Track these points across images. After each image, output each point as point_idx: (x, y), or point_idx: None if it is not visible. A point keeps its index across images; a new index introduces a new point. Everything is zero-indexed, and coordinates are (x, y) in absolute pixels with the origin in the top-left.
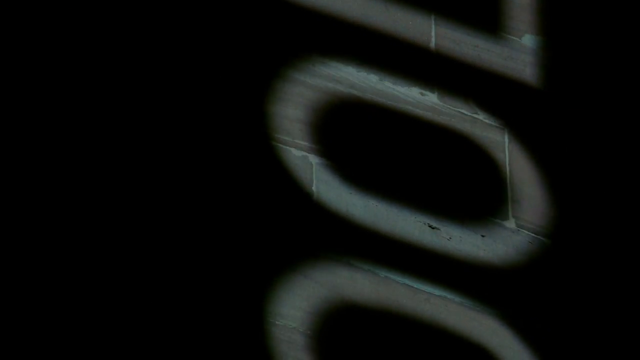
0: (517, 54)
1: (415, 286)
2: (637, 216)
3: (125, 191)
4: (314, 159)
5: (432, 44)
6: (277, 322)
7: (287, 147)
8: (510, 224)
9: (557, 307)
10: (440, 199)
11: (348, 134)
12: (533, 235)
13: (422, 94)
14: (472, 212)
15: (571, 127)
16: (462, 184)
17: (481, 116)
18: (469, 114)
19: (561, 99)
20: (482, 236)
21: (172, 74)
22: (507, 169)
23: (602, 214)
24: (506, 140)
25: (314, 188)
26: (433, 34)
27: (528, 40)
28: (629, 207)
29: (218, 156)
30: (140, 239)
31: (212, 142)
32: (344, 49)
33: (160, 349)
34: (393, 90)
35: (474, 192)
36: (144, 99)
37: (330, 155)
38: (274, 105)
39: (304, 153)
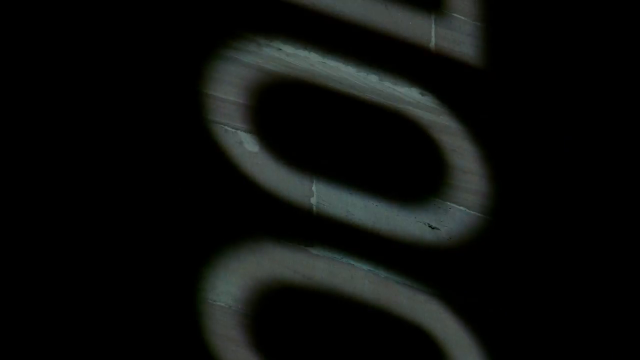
0: (457, 33)
1: (355, 265)
2: (576, 193)
3: (59, 174)
4: (249, 140)
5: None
6: (211, 301)
7: (224, 128)
8: (450, 203)
9: (498, 286)
10: (379, 178)
11: (287, 115)
12: (473, 213)
13: (358, 72)
14: (411, 192)
15: (512, 107)
16: (401, 164)
17: (421, 95)
18: (409, 93)
19: (503, 78)
20: (422, 215)
21: (105, 54)
22: (447, 148)
23: (543, 193)
24: (446, 119)
25: (250, 169)
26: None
27: (468, 19)
28: (569, 185)
29: (153, 137)
30: (77, 219)
31: (146, 123)
32: (283, 28)
33: (91, 326)
34: (335, 71)
35: (414, 171)
36: (75, 82)
37: (267, 137)
38: (210, 86)
39: (241, 134)
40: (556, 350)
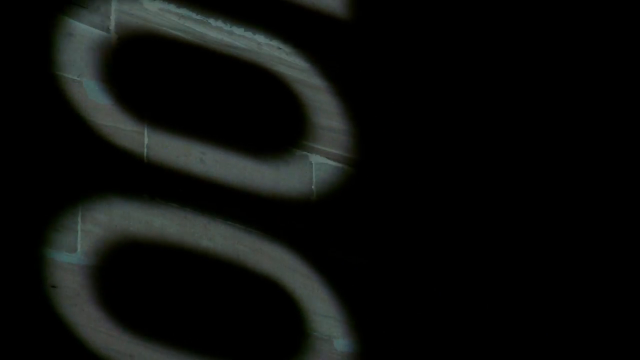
0: None
1: (208, 218)
2: (439, 148)
3: None
4: (101, 94)
5: None
6: (54, 258)
7: (73, 80)
8: (312, 155)
9: (359, 239)
10: (239, 131)
11: (142, 68)
12: (335, 165)
13: (221, 25)
14: (272, 145)
15: (377, 61)
16: (262, 118)
17: (283, 50)
18: (271, 46)
19: (369, 32)
20: (284, 168)
21: None
22: (310, 102)
23: (406, 146)
24: (309, 74)
25: (103, 124)
26: None
27: None
28: (433, 139)
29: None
30: None
31: None
32: None
33: None
34: (197, 24)
35: (275, 125)
36: None
37: (122, 91)
38: (60, 40)
39: (92, 87)
40: (416, 304)
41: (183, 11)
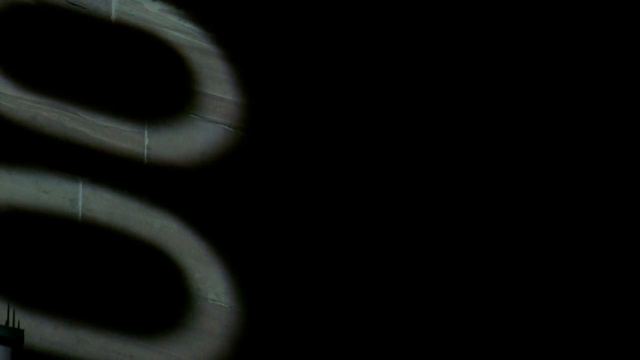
0: None
1: (90, 186)
2: (326, 115)
3: None
4: None
5: None
6: None
7: None
8: (202, 118)
9: (247, 202)
10: (126, 97)
11: (22, 36)
12: (225, 128)
13: None
14: (159, 109)
15: (266, 27)
16: (149, 83)
17: (175, 16)
18: (164, 14)
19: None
20: (172, 133)
21: None
22: (202, 68)
23: (295, 112)
24: (200, 39)
25: None
26: None
27: None
28: (326, 100)
29: None
30: None
31: None
32: None
33: None
34: None
35: (163, 90)
36: None
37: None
38: None
39: None
40: (298, 268)
41: None
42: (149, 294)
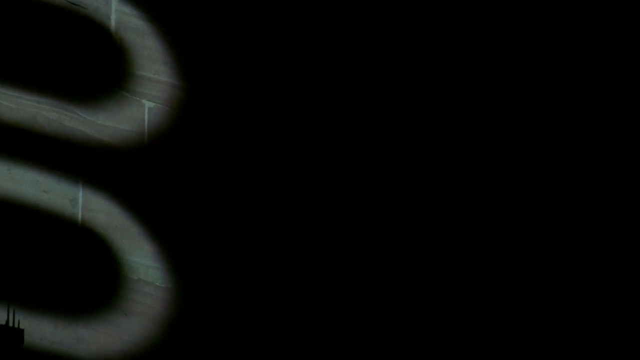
0: None
1: (22, 168)
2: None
3: None
4: None
5: None
6: None
7: None
8: (136, 97)
9: (183, 185)
10: (66, 76)
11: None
12: (161, 107)
13: None
14: (96, 89)
15: (201, 6)
16: (88, 63)
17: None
18: None
19: None
20: (107, 113)
21: None
22: (137, 47)
23: (233, 91)
24: (135, 19)
25: None
26: None
27: None
28: (263, 81)
29: None
30: None
31: None
32: None
33: None
34: None
35: (101, 70)
36: None
37: None
38: None
39: None
40: (236, 249)
41: None
42: (82, 275)
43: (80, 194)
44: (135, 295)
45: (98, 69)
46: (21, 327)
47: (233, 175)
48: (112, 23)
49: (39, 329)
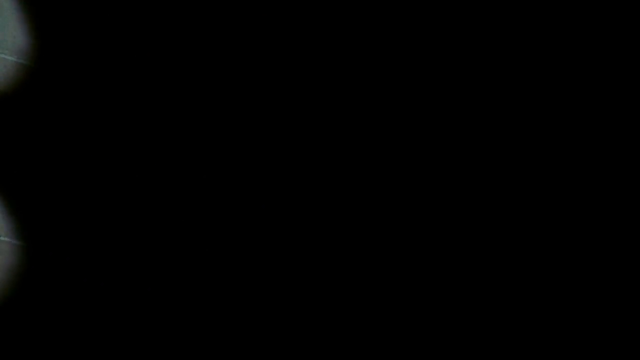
0: None
1: None
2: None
3: None
4: None
5: None
6: None
7: None
8: None
9: (35, 142)
10: None
11: None
12: (13, 60)
13: None
14: None
15: None
16: None
17: None
18: None
19: None
20: None
21: None
22: None
23: (89, 43)
24: None
25: None
26: None
27: None
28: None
29: None
30: None
31: None
32: None
33: None
34: None
35: None
36: None
37: None
38: None
39: None
40: (84, 202)
41: None
42: None
43: None
44: None
45: None
46: None
47: (85, 132)
48: None
49: None
